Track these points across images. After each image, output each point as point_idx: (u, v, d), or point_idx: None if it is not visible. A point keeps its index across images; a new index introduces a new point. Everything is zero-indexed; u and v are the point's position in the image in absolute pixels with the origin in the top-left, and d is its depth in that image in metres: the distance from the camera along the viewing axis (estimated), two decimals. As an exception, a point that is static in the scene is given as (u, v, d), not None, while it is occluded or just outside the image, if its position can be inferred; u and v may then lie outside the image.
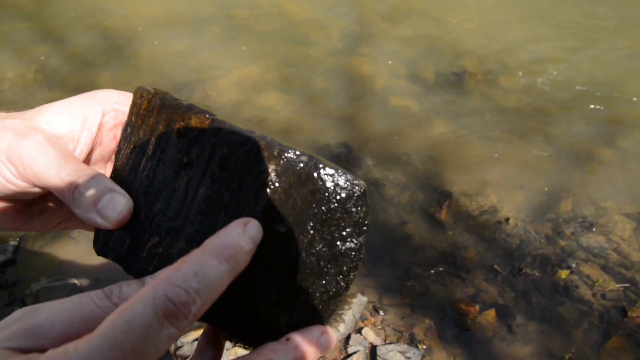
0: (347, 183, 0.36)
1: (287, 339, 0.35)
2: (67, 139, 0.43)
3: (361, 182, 0.37)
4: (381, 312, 2.16)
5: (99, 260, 2.32)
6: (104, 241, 0.43)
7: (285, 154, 0.35)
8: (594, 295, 2.34)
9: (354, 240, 0.38)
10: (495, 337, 2.13)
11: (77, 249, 2.42)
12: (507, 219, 2.65)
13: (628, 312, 2.25)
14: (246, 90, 3.42)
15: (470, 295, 2.27)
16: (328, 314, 0.39)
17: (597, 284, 2.37)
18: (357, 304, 2.12)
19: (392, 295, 2.25)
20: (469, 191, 2.80)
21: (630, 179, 2.95)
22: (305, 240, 0.36)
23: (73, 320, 0.32)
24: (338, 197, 0.36)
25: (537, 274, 2.40)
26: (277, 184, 0.35)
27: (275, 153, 0.35)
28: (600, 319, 2.24)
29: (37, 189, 0.41)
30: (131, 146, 0.43)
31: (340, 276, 0.38)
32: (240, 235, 0.32)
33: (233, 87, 3.44)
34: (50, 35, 3.86)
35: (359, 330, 2.07)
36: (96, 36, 3.86)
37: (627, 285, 2.37)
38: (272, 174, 0.35)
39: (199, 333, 2.00)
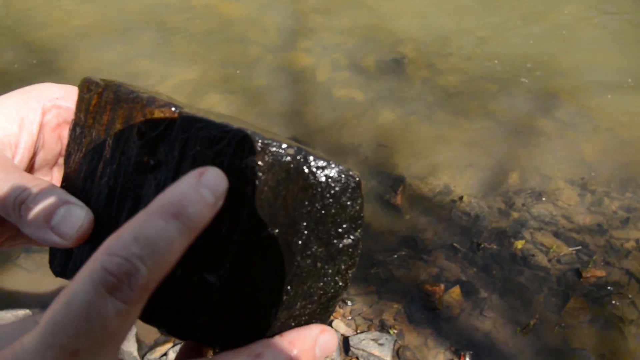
0: (341, 175, 0.33)
1: (281, 335, 0.33)
2: (3, 145, 0.37)
3: (355, 173, 0.33)
4: (349, 303, 2.16)
5: (53, 284, 2.20)
6: (61, 261, 0.38)
7: (270, 148, 0.31)
8: (549, 261, 2.42)
9: (351, 236, 0.35)
10: (462, 313, 2.17)
11: (28, 277, 2.30)
12: (461, 197, 2.71)
13: (582, 273, 2.34)
14: (187, 94, 3.34)
15: (434, 276, 2.30)
16: (327, 316, 0.36)
17: (551, 250, 2.45)
18: (325, 296, 2.11)
19: (358, 285, 2.25)
20: (421, 174, 2.84)
21: (570, 147, 3.07)
22: (300, 242, 0.32)
23: (10, 337, 0.28)
24: (332, 192, 0.33)
25: (494, 247, 2.46)
26: (263, 183, 0.31)
27: (258, 147, 0.30)
28: (558, 282, 2.32)
29: None
30: (83, 149, 0.37)
31: (339, 275, 0.35)
32: (192, 186, 0.27)
33: (173, 92, 3.35)
34: (-30, 55, 3.64)
35: (329, 324, 2.06)
36: (21, 50, 3.67)
37: (579, 248, 2.47)
38: (257, 172, 0.31)
39: (166, 348, 1.94)
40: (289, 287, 0.33)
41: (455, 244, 2.45)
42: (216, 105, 3.24)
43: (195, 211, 0.27)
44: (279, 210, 0.31)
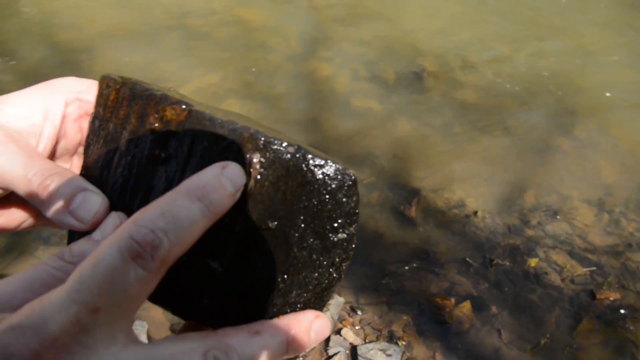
0: (337, 173, 0.35)
1: (279, 317, 0.35)
2: (28, 134, 0.40)
3: (351, 172, 0.35)
4: (359, 312, 2.16)
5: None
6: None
7: (272, 146, 0.33)
8: (563, 280, 2.39)
9: (345, 231, 0.36)
10: (472, 328, 2.16)
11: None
12: (475, 212, 2.69)
13: (596, 294, 2.31)
14: (207, 98, 3.38)
15: (445, 289, 2.29)
16: (321, 306, 0.38)
17: (565, 270, 2.42)
18: (334, 305, 2.10)
19: (369, 295, 2.25)
20: (436, 187, 2.83)
21: (588, 166, 3.05)
22: (297, 235, 0.35)
23: (33, 286, 0.31)
24: (328, 188, 0.34)
25: (507, 263, 2.44)
26: (264, 178, 0.33)
27: (261, 145, 0.33)
28: (571, 303, 2.29)
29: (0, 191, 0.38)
30: (101, 141, 0.40)
31: (333, 267, 0.37)
32: (216, 176, 0.31)
33: (193, 96, 3.36)
34: (2, 49, 3.72)
35: (338, 332, 2.05)
36: (48, 50, 3.75)
37: (594, 269, 2.44)
38: (258, 167, 0.33)
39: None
40: (285, 276, 0.35)
41: (467, 259, 2.44)
42: (234, 109, 3.26)
43: (217, 197, 0.30)
44: (278, 204, 0.34)
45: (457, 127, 3.31)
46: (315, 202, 0.34)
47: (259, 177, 0.33)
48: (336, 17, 4.41)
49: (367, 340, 2.03)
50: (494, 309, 2.23)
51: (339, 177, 0.35)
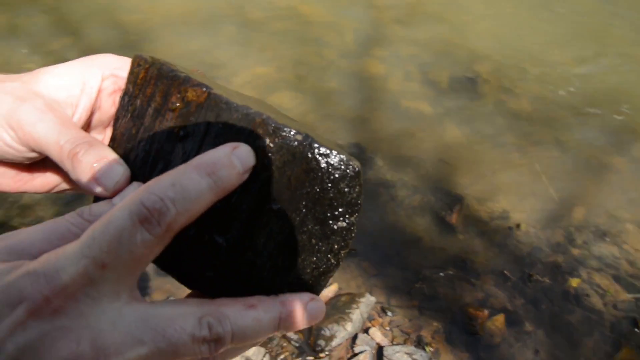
0: (341, 163, 0.36)
1: (276, 295, 0.36)
2: (66, 104, 0.43)
3: (355, 163, 0.36)
4: (389, 313, 2.15)
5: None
6: None
7: (281, 132, 0.35)
8: (605, 305, 2.31)
9: (346, 220, 0.37)
10: (503, 343, 2.11)
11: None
12: (518, 225, 2.63)
13: (639, 323, 2.22)
14: (259, 88, 3.43)
15: (479, 300, 2.25)
16: (318, 289, 0.39)
17: (608, 294, 2.34)
18: (365, 303, 2.10)
19: (401, 297, 2.23)
20: (481, 196, 2.78)
21: (644, 189, 2.92)
22: (298, 219, 0.36)
23: (51, 238, 0.33)
24: (331, 177, 0.36)
25: (547, 281, 2.37)
26: (271, 162, 0.35)
27: (271, 131, 0.35)
28: (611, 329, 2.21)
29: (35, 154, 0.42)
30: (129, 116, 0.43)
31: (331, 254, 0.38)
32: (227, 155, 0.33)
33: (246, 85, 3.44)
34: (67, 30, 3.88)
35: (366, 330, 2.05)
36: (112, 32, 3.88)
37: (639, 296, 2.34)
38: (267, 152, 0.35)
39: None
40: (285, 256, 0.37)
41: (505, 272, 2.38)
42: (285, 103, 3.30)
43: (225, 175, 0.32)
44: (283, 188, 0.35)
45: (508, 137, 3.23)
46: (318, 190, 0.36)
47: (266, 160, 0.35)
48: (395, 17, 4.38)
49: (394, 342, 2.02)
50: (528, 325, 2.18)
51: (343, 167, 0.36)
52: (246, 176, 0.34)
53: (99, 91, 0.45)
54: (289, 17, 4.32)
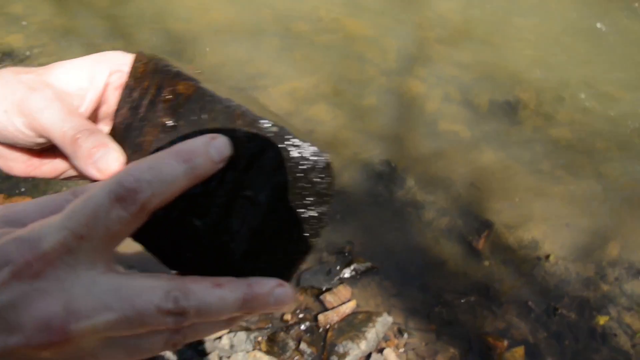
0: (313, 155, 0.38)
1: (245, 278, 0.38)
2: (75, 95, 0.47)
3: (326, 155, 0.39)
4: (405, 335, 2.14)
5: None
6: None
7: (258, 124, 0.37)
8: (633, 346, 2.23)
9: (316, 209, 0.39)
10: (521, 375, 2.07)
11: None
12: (548, 256, 2.57)
13: (668, 367, 2.13)
14: (297, 100, 3.47)
15: (499, 330, 2.21)
16: (288, 276, 0.41)
17: (638, 335, 2.26)
18: (381, 323, 2.10)
19: (419, 319, 2.22)
20: (511, 223, 2.74)
21: (686, 228, 2.82)
22: (270, 206, 0.38)
23: (44, 211, 0.36)
24: (302, 167, 0.38)
25: (573, 316, 2.31)
26: (246, 151, 0.38)
27: (249, 122, 0.38)
28: (637, 371, 2.13)
29: (43, 139, 0.46)
30: (127, 107, 0.46)
31: (302, 242, 0.40)
32: (204, 144, 0.36)
33: (285, 96, 3.50)
34: (119, 34, 4.04)
35: (380, 350, 2.05)
36: (161, 38, 4.02)
37: (671, 339, 2.26)
38: (243, 142, 0.38)
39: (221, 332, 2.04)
40: (256, 242, 0.39)
41: (530, 303, 2.34)
42: (321, 116, 3.34)
43: (201, 162, 0.35)
44: (256, 177, 0.38)
45: (545, 165, 3.17)
46: (290, 179, 0.38)
47: (244, 150, 0.38)
48: (439, 37, 4.37)
49: (408, 365, 2.02)
50: (549, 360, 2.13)
51: (314, 158, 0.38)
52: (222, 165, 0.36)
53: (106, 85, 0.49)
54: (334, 31, 4.37)
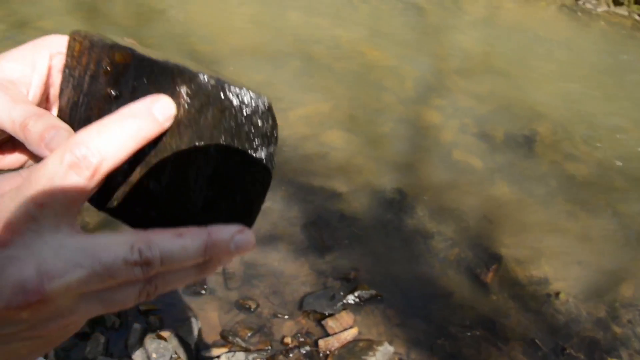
0: (252, 100, 0.40)
1: (205, 226, 0.39)
2: (20, 83, 0.48)
3: (265, 98, 0.40)
4: (407, 366, 2.10)
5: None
6: None
7: (196, 79, 0.39)
8: (643, 391, 2.16)
9: (264, 150, 0.41)
10: (524, 415, 2.02)
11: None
12: (558, 294, 2.52)
13: (679, 416, 2.06)
14: (313, 125, 3.50)
15: (504, 366, 2.17)
16: (250, 220, 0.43)
17: (648, 380, 2.19)
18: (382, 352, 2.07)
19: (421, 351, 2.18)
20: (521, 258, 2.69)
21: None
22: (220, 153, 0.41)
23: (3, 186, 0.40)
24: (245, 113, 0.40)
25: (582, 357, 2.25)
26: (190, 105, 0.40)
27: (187, 79, 0.39)
28: (646, 418, 2.06)
29: None
30: (70, 86, 0.48)
31: (256, 183, 0.42)
32: (147, 106, 0.38)
33: (301, 120, 3.53)
34: (143, 52, 4.13)
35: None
36: (184, 57, 4.09)
37: (683, 387, 2.18)
38: (185, 97, 0.39)
39: (220, 351, 2.03)
40: (214, 190, 0.41)
41: (537, 341, 2.28)
42: (335, 142, 3.35)
43: (146, 124, 0.38)
44: (204, 128, 0.40)
45: (560, 200, 3.13)
46: (233, 125, 0.40)
47: (186, 105, 0.40)
48: (457, 68, 4.38)
49: (407, 398, 1.98)
50: (554, 401, 2.07)
51: (254, 103, 0.40)
52: (168, 124, 0.39)
53: (49, 68, 0.50)
54: (353, 58, 4.41)
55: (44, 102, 0.52)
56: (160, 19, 4.82)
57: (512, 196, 3.11)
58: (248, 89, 0.40)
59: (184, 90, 0.40)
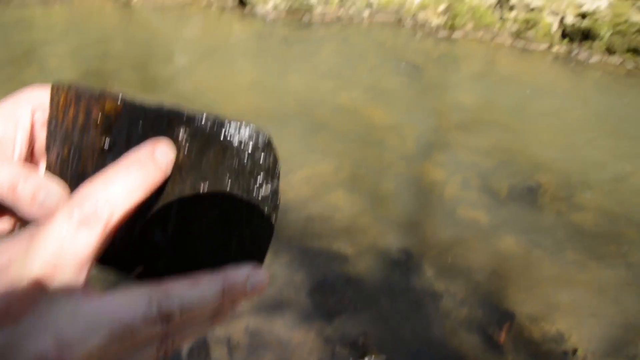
0: (252, 137, 0.39)
1: (219, 269, 0.38)
2: (3, 141, 0.47)
3: (265, 133, 0.39)
4: None
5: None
6: None
7: (192, 121, 0.39)
8: None
9: (269, 185, 0.40)
10: None
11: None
12: (575, 350, 2.45)
13: None
14: (316, 186, 3.52)
15: None
16: (261, 256, 0.42)
17: None
18: None
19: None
20: (534, 314, 2.63)
21: None
22: (225, 194, 0.39)
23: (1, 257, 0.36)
24: (246, 150, 0.39)
25: (605, 417, 2.16)
26: (189, 149, 0.39)
27: (184, 120, 0.39)
28: None
29: None
30: (58, 140, 0.47)
31: (264, 219, 0.41)
32: (149, 152, 0.37)
33: (304, 182, 3.55)
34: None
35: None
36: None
37: None
38: (184, 140, 0.39)
39: None
40: (222, 231, 0.40)
41: (556, 403, 2.20)
42: (339, 202, 3.36)
43: (151, 171, 0.36)
44: (206, 169, 0.39)
45: (569, 252, 3.09)
46: (236, 163, 0.39)
47: (186, 149, 0.39)
48: (457, 123, 4.44)
49: None
50: None
51: (254, 139, 0.39)
52: (170, 168, 0.38)
53: (32, 124, 0.49)
54: (354, 118, 4.49)
55: (28, 158, 0.50)
56: (166, 85, 4.97)
57: (519, 250, 3.08)
58: (247, 125, 0.39)
59: (182, 133, 0.39)
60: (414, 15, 8.25)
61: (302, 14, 8.17)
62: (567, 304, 2.72)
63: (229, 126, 0.39)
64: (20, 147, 0.48)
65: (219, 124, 0.39)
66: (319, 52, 6.66)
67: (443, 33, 7.84)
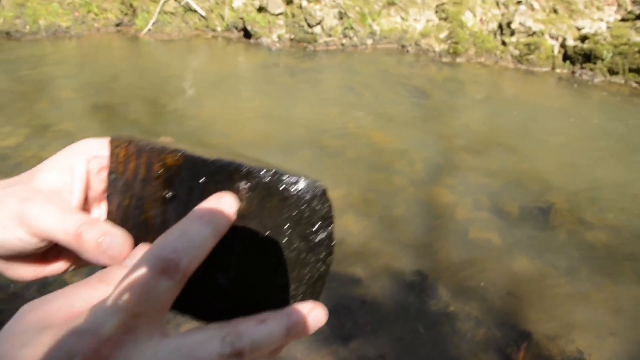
0: (309, 187, 0.42)
1: (282, 308, 0.41)
2: (63, 192, 0.50)
3: (321, 184, 0.42)
4: None
5: None
6: None
7: (253, 174, 0.42)
8: None
9: (324, 231, 0.43)
10: None
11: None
12: (595, 369, 2.42)
13: None
14: (327, 212, 3.53)
15: None
16: (317, 295, 0.44)
17: None
18: None
19: None
20: (552, 333, 2.61)
21: None
22: (285, 240, 0.42)
23: (74, 304, 0.38)
24: (304, 200, 0.42)
25: None
26: (250, 200, 0.42)
27: (244, 174, 0.42)
28: None
29: (46, 242, 0.48)
30: (119, 190, 0.50)
31: (320, 262, 0.43)
32: (217, 203, 0.40)
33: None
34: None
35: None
36: (200, 152, 4.23)
37: None
38: (246, 191, 0.42)
39: None
40: (282, 274, 0.43)
41: (579, 423, 2.17)
42: (351, 227, 3.37)
43: (221, 220, 0.40)
44: (266, 219, 0.42)
45: (584, 271, 3.08)
46: (295, 212, 0.42)
47: (247, 199, 0.42)
48: (465, 145, 4.47)
49: None
50: None
51: (311, 190, 0.42)
52: (234, 217, 0.41)
53: (88, 173, 0.53)
54: (362, 143, 4.53)
55: (84, 206, 0.53)
56: (175, 117, 5.04)
57: (534, 270, 3.07)
58: (305, 178, 0.42)
59: (243, 185, 0.42)
60: (417, 42, 8.38)
61: (306, 43, 8.32)
62: (584, 322, 2.70)
63: (288, 179, 0.42)
64: (77, 197, 0.51)
65: (278, 177, 0.42)
66: (324, 80, 6.76)
67: (446, 58, 7.95)
